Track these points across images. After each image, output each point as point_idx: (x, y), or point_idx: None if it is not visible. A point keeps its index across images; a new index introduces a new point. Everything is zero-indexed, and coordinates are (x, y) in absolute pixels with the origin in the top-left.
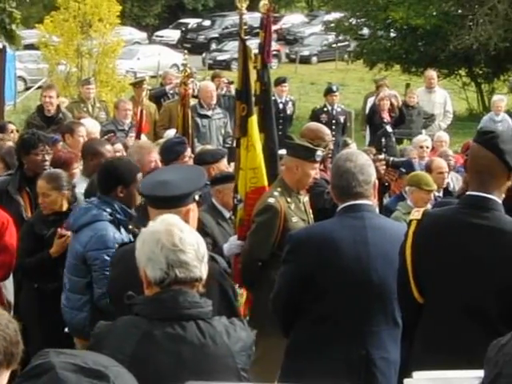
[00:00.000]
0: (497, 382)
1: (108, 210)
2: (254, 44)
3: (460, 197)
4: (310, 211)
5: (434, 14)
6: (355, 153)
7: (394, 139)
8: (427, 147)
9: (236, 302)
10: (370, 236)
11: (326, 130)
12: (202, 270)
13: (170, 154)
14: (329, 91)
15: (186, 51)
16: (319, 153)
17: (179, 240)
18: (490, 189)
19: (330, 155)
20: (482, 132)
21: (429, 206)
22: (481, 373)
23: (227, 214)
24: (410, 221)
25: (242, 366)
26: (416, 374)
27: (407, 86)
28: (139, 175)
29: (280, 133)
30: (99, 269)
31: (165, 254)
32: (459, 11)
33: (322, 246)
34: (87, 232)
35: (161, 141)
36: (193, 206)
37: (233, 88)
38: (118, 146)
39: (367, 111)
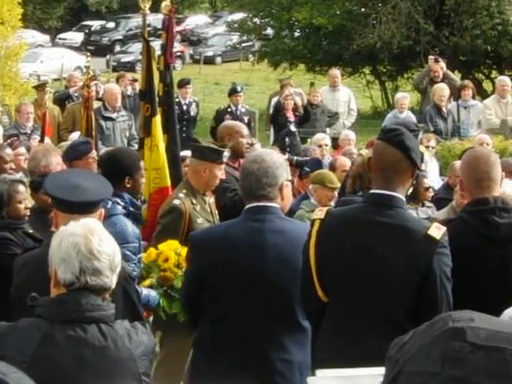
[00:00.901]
0: (397, 380)
1: (121, 203)
2: (158, 45)
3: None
4: (216, 212)
5: (338, 13)
6: (263, 154)
7: (298, 138)
8: (326, 145)
9: (140, 307)
10: (268, 238)
11: (243, 126)
12: (112, 280)
13: (74, 152)
14: (233, 91)
15: (88, 54)
16: (226, 153)
17: (96, 248)
18: (395, 186)
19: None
20: (386, 129)
21: (332, 204)
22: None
23: None
24: (313, 220)
25: (143, 370)
26: (319, 372)
27: (311, 84)
28: (142, 163)
29: (184, 134)
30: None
31: (80, 258)
32: (362, 10)
33: (218, 247)
34: (106, 227)
35: (64, 144)
36: (101, 212)
37: (138, 87)
38: (22, 149)
39: (271, 111)
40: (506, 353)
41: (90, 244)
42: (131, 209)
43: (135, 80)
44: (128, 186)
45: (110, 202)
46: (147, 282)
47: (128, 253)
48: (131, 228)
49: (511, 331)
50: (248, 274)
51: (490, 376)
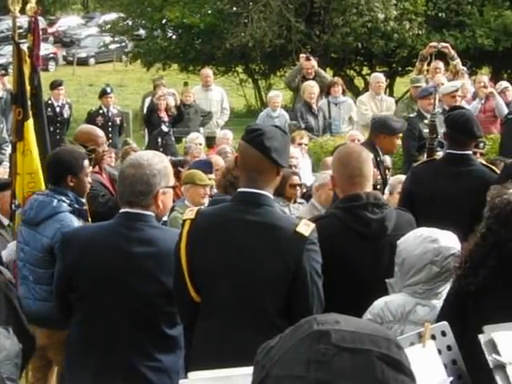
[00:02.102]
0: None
1: (66, 200)
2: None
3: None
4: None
5: (209, 12)
6: (142, 159)
7: (173, 138)
8: (200, 144)
9: (21, 313)
10: (134, 248)
11: (99, 132)
12: None
13: None
14: (103, 93)
15: None
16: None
17: None
18: (260, 185)
19: (103, 157)
20: (248, 130)
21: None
22: None
23: (6, 221)
24: (184, 221)
25: (7, 375)
26: (191, 375)
27: (185, 84)
28: (86, 162)
29: (58, 137)
30: None
31: None
32: (234, 9)
33: (84, 249)
34: (53, 224)
35: None
36: None
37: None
38: None
39: (145, 111)
40: (372, 354)
41: None
42: (76, 206)
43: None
44: (71, 184)
45: (55, 200)
46: None
47: None
48: (77, 224)
49: (377, 333)
50: (112, 281)
51: (356, 378)
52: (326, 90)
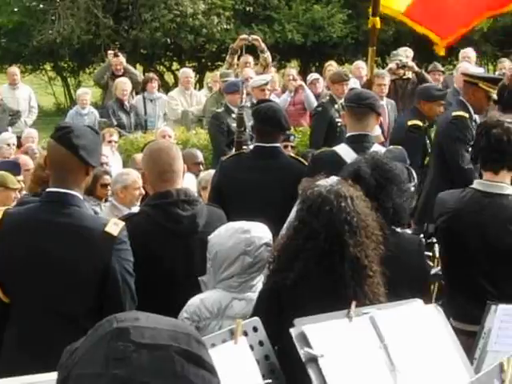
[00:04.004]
0: None
1: None
2: None
3: None
4: None
5: (16, 10)
6: None
7: None
8: (13, 144)
9: None
10: None
11: None
12: None
13: None
14: None
15: None
16: None
17: None
18: (69, 184)
19: None
20: (57, 128)
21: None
22: None
23: None
24: None
25: None
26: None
27: None
28: None
29: None
30: None
31: None
32: (41, 6)
33: None
34: None
35: None
36: None
37: None
38: None
39: None
40: (171, 350)
41: None
42: None
43: None
44: None
45: None
46: None
47: None
48: None
49: (177, 329)
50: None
51: (155, 374)
52: (139, 86)
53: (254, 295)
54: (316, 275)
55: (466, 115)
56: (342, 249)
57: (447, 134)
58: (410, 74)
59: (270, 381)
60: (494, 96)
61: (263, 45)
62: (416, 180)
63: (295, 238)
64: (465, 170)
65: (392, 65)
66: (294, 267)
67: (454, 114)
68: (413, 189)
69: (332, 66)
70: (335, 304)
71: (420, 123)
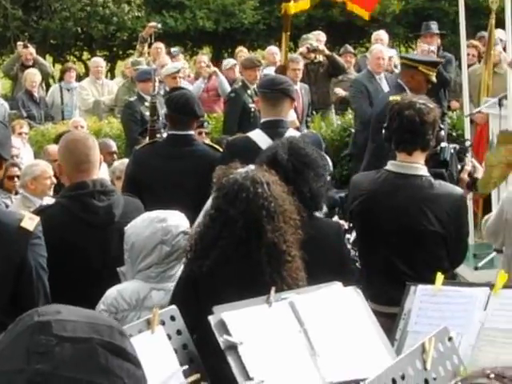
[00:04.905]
0: None
1: None
2: None
3: None
4: None
5: None
6: None
7: None
8: None
9: None
10: None
11: None
12: None
13: None
14: None
15: None
16: None
17: None
18: None
19: None
20: None
21: None
22: None
23: None
24: None
25: None
26: None
27: None
28: None
29: None
30: None
31: None
32: None
33: None
34: None
35: None
36: None
37: None
38: None
39: None
40: (94, 342)
41: None
42: None
43: None
44: None
45: None
46: None
47: None
48: None
49: (99, 321)
50: None
51: (78, 366)
52: (59, 75)
53: (173, 285)
54: (233, 262)
55: None
56: (259, 235)
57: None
58: (321, 58)
59: (186, 367)
60: (433, 79)
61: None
62: (331, 168)
63: (212, 226)
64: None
65: (303, 49)
66: (210, 255)
67: (390, 98)
68: (328, 178)
69: (243, 52)
70: (253, 291)
71: None
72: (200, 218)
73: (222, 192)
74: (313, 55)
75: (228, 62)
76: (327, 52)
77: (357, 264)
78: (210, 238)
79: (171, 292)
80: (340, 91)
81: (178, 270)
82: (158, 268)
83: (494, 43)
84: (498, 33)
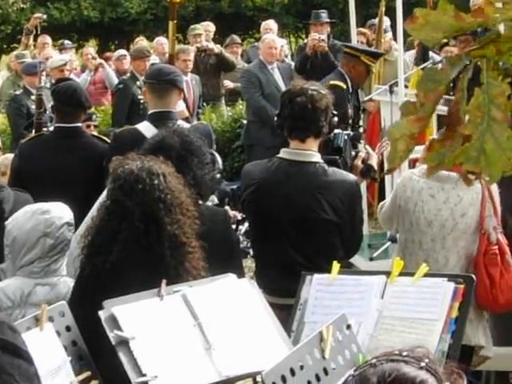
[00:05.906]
0: None
1: None
2: None
3: None
4: None
5: None
6: None
7: None
8: None
9: None
10: None
11: None
12: None
13: None
14: None
15: None
16: None
17: None
18: None
19: None
20: None
21: None
22: None
23: None
24: None
25: None
26: None
27: None
28: None
29: None
30: None
31: None
32: None
33: None
34: None
35: None
36: None
37: None
38: None
39: None
40: None
41: None
42: None
43: None
44: None
45: None
46: None
47: None
48: None
49: None
50: None
51: None
52: None
53: (57, 279)
54: (135, 256)
55: (343, 85)
56: (158, 227)
57: None
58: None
59: (69, 358)
60: (374, 70)
61: None
62: (220, 165)
63: (109, 219)
64: None
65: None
66: (112, 249)
67: (331, 82)
68: (218, 175)
69: (143, 42)
70: (159, 285)
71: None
72: (94, 212)
73: (117, 183)
74: (203, 54)
75: (118, 53)
76: (216, 50)
77: (248, 256)
78: (109, 232)
79: (57, 287)
80: (228, 83)
81: (63, 263)
82: (42, 262)
83: (384, 31)
84: (388, 21)
